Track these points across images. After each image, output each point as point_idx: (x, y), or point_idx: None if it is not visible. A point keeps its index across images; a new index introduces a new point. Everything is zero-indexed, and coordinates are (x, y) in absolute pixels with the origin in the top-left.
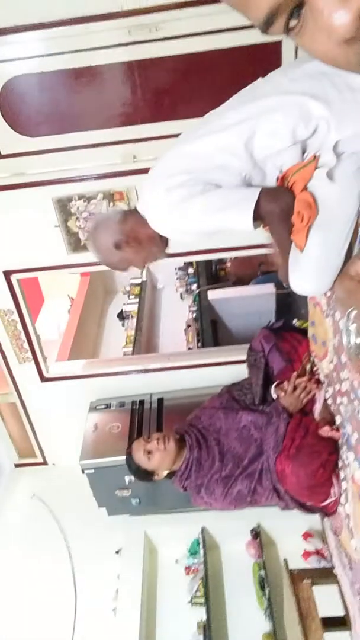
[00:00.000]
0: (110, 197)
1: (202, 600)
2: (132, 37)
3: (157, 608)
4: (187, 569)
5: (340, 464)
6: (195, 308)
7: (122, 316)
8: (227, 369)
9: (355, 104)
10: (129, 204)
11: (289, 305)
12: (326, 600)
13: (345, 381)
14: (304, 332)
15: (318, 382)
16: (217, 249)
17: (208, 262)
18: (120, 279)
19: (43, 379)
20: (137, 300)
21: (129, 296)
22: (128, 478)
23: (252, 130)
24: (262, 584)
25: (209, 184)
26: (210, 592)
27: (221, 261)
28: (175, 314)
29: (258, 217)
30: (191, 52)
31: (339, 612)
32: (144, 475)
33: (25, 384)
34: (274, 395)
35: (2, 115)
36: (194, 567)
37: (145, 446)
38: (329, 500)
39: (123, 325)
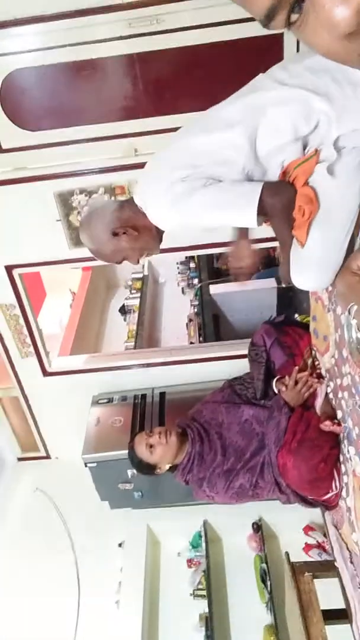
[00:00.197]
0: (111, 191)
1: (204, 592)
2: (133, 29)
3: (159, 600)
4: (189, 561)
5: (341, 458)
6: (196, 302)
7: (123, 310)
8: (228, 363)
9: (356, 99)
10: None
11: (291, 299)
12: (327, 593)
13: (346, 376)
14: (305, 326)
15: (319, 376)
16: (216, 243)
17: (209, 257)
18: (122, 274)
19: (45, 373)
20: (138, 294)
21: (130, 290)
22: (130, 472)
23: (254, 126)
24: (263, 576)
25: (211, 179)
26: (212, 585)
27: (223, 255)
28: (177, 309)
29: (260, 212)
30: (192, 45)
31: (340, 605)
32: (146, 469)
33: (27, 378)
34: (276, 390)
35: (3, 109)
36: (196, 560)
37: (147, 440)
38: (330, 494)
39: (125, 319)
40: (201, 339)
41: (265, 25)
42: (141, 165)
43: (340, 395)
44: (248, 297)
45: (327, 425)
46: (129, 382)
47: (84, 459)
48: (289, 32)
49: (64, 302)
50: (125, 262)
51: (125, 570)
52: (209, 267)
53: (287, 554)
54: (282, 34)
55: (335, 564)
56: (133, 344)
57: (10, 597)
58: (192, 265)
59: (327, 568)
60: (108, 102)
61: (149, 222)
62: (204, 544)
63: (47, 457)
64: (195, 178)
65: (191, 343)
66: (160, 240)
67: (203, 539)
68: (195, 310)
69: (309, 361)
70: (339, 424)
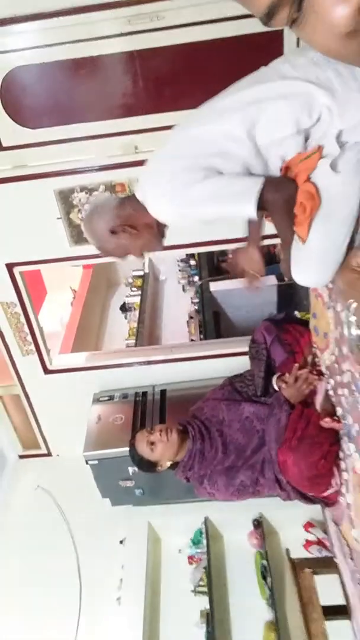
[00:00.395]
0: (112, 188)
1: (205, 589)
2: (133, 26)
3: (160, 597)
4: (190, 558)
5: (341, 455)
6: (197, 300)
7: (124, 308)
8: (229, 360)
9: (359, 93)
10: None
11: (291, 296)
12: (327, 589)
13: (346, 373)
14: (305, 323)
15: (319, 373)
16: (217, 240)
17: (210, 254)
18: (123, 271)
19: (46, 371)
20: (139, 292)
21: (131, 288)
22: (131, 469)
23: (255, 117)
24: (264, 573)
25: (211, 171)
26: (213, 582)
27: (223, 253)
28: (178, 306)
29: (260, 207)
30: (192, 42)
31: (340, 601)
32: (147, 466)
33: (28, 376)
34: (276, 387)
35: (3, 107)
36: (197, 556)
37: (148, 438)
38: (330, 491)
39: (125, 317)
40: (202, 336)
41: (266, 23)
42: (141, 163)
43: (340, 392)
44: (248, 295)
45: (327, 422)
46: (129, 379)
47: (85, 457)
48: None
49: (64, 300)
50: (129, 259)
51: (126, 567)
52: (210, 265)
53: (287, 550)
54: (282, 31)
55: (335, 560)
56: (134, 341)
57: (12, 594)
58: (192, 262)
59: (327, 564)
60: (108, 100)
61: (150, 218)
62: (204, 541)
63: (49, 454)
64: (195, 169)
65: (192, 340)
66: (162, 236)
67: (204, 535)
68: (196, 307)
69: (309, 358)
70: (339, 421)
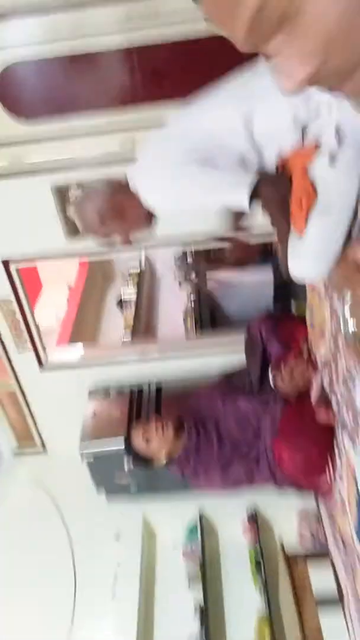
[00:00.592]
0: None
1: (200, 583)
2: (132, 23)
3: (155, 591)
4: (185, 553)
5: (335, 448)
6: (193, 295)
7: (121, 304)
8: (225, 356)
9: None
10: None
11: (287, 291)
12: (321, 582)
13: (341, 366)
14: (301, 317)
15: (315, 367)
16: (213, 237)
17: (207, 250)
18: (120, 267)
19: (42, 367)
20: (136, 288)
21: (127, 284)
22: (127, 464)
23: (251, 109)
24: (258, 567)
25: (205, 162)
26: (207, 576)
27: (220, 249)
28: (174, 302)
29: (256, 200)
30: (192, 37)
31: (333, 594)
32: (143, 461)
33: (24, 372)
34: (272, 381)
35: (1, 102)
36: (192, 551)
37: (144, 433)
38: (324, 484)
39: (122, 313)
40: (198, 332)
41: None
42: None
43: (335, 385)
44: (245, 289)
45: (322, 416)
46: (125, 375)
47: (80, 452)
48: None
49: (60, 296)
50: (125, 256)
51: (121, 561)
52: (206, 261)
53: (282, 543)
54: None
55: (329, 553)
56: (130, 337)
57: (5, 587)
58: (189, 258)
59: (321, 557)
60: (106, 96)
61: (141, 207)
62: (199, 535)
63: (44, 450)
64: (189, 158)
65: (188, 336)
66: (150, 224)
67: (199, 530)
68: (192, 303)
69: (305, 352)
70: (333, 415)
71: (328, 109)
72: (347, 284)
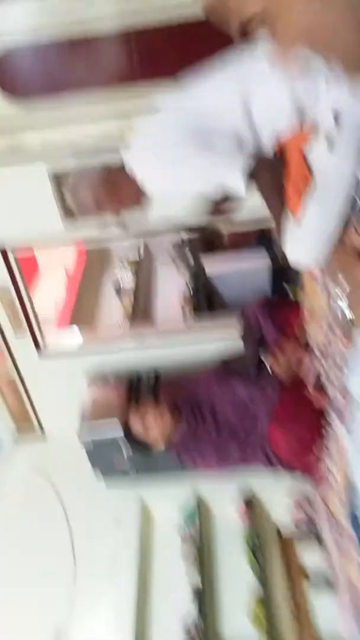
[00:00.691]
0: None
1: (197, 566)
2: (129, 5)
3: (152, 575)
4: (183, 536)
5: (329, 431)
6: (191, 282)
7: (119, 291)
8: (222, 342)
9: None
10: None
11: (284, 276)
12: (314, 564)
13: (336, 351)
14: (297, 302)
15: (310, 351)
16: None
17: (205, 236)
18: (118, 253)
19: (41, 354)
20: (134, 275)
21: (126, 271)
22: (125, 450)
23: (252, 91)
24: (254, 550)
25: (201, 143)
26: (204, 559)
27: (218, 235)
28: (172, 288)
29: (251, 181)
30: (193, 21)
31: (326, 575)
32: (142, 446)
33: (23, 359)
34: (267, 365)
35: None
36: (189, 534)
37: (142, 419)
38: (319, 468)
39: (120, 300)
40: (196, 318)
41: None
42: None
43: (330, 370)
44: (242, 274)
45: (316, 399)
46: (124, 361)
47: (79, 438)
48: None
49: (59, 283)
50: (124, 245)
51: (119, 545)
52: (204, 247)
53: (277, 526)
54: None
55: (323, 535)
56: (128, 324)
57: (5, 573)
58: (187, 245)
59: (315, 540)
60: (104, 81)
61: (135, 188)
62: (197, 519)
63: (43, 437)
64: (185, 138)
65: (186, 322)
66: (142, 205)
67: (196, 513)
68: (191, 290)
69: (300, 336)
70: (328, 399)
71: (327, 94)
72: (344, 269)
